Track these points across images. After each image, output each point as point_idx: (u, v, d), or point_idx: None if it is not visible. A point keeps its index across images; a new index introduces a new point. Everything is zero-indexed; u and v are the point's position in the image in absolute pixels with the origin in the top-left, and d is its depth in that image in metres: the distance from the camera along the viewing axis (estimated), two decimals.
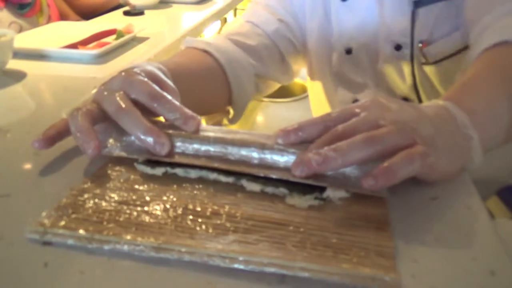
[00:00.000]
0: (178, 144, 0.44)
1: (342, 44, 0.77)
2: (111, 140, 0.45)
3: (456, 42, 0.69)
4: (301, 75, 0.97)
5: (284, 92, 1.47)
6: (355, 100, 0.80)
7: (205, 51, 0.65)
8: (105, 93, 0.45)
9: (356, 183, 0.39)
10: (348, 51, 0.77)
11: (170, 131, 0.44)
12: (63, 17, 2.00)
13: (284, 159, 0.42)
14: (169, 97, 0.45)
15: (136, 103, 0.44)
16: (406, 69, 0.73)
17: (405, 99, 0.75)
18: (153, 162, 0.43)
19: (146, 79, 0.46)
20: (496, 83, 0.49)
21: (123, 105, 0.43)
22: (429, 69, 0.72)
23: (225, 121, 0.70)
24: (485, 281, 0.32)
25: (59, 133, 0.45)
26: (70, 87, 0.73)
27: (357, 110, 0.41)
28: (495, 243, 0.36)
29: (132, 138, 0.44)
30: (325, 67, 0.81)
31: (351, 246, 0.33)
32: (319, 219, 0.37)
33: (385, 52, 0.73)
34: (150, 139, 0.42)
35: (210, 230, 0.35)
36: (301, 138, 0.42)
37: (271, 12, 0.77)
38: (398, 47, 0.72)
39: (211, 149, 0.43)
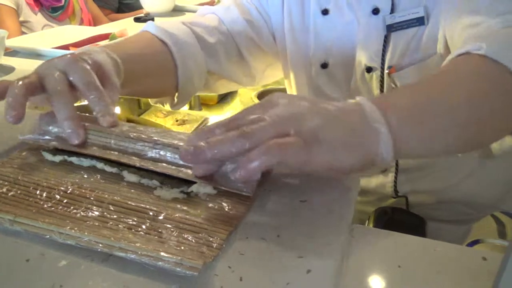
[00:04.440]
0: (90, 136, 0.48)
1: (318, 58, 0.77)
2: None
3: (426, 71, 0.67)
4: None
5: None
6: None
7: (163, 42, 0.68)
8: (47, 69, 0.48)
9: (227, 181, 0.42)
10: (324, 66, 0.77)
11: (87, 124, 0.48)
12: (95, 20, 2.13)
13: (170, 154, 0.45)
14: (103, 92, 0.48)
15: (71, 85, 0.48)
16: (376, 91, 0.72)
17: None
18: (56, 150, 0.47)
19: (89, 68, 0.49)
20: (434, 85, 0.47)
21: (60, 87, 0.47)
22: None
23: (167, 107, 0.74)
24: (300, 277, 0.34)
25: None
26: None
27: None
28: (325, 245, 0.37)
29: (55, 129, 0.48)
30: (303, 80, 0.81)
31: (186, 233, 0.36)
32: (176, 209, 0.40)
33: (358, 72, 0.74)
34: (68, 126, 0.46)
35: (72, 210, 0.39)
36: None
37: (242, 11, 0.78)
38: (369, 70, 0.72)
39: (112, 141, 0.47)
